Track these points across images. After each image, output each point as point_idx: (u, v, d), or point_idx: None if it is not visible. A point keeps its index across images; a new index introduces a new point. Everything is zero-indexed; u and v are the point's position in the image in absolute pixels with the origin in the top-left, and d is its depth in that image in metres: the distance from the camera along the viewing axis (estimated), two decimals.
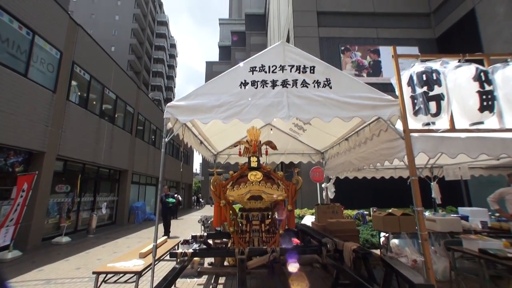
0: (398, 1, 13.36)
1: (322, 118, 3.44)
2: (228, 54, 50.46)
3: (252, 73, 3.71)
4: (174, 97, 70.08)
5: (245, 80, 3.66)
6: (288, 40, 14.87)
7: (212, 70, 53.02)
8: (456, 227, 5.05)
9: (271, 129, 6.42)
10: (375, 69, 12.44)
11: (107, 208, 14.55)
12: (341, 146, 5.73)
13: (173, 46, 69.99)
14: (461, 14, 11.27)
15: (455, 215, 5.91)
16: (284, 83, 3.64)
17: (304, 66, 3.72)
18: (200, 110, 3.53)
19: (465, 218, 5.81)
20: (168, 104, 3.58)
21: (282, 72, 3.71)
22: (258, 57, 3.82)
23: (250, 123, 3.56)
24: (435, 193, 6.01)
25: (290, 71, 3.71)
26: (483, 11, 10.27)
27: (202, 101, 3.57)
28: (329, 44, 12.68)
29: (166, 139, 3.61)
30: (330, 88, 3.62)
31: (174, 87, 71.32)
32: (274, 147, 4.89)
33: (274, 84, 3.65)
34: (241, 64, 3.77)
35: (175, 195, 21.90)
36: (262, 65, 3.73)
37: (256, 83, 3.65)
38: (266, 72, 3.71)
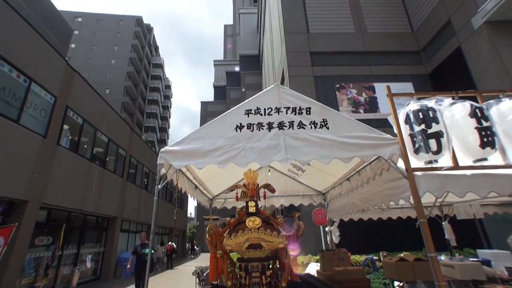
0: (388, 40, 14.10)
1: (321, 159, 3.45)
2: (223, 94, 51.81)
3: (248, 116, 3.78)
4: (168, 138, 70.69)
5: (240, 123, 3.72)
6: (283, 80, 15.36)
7: (207, 110, 54.09)
8: (479, 274, 4.67)
9: (269, 171, 6.40)
10: (372, 105, 12.75)
11: (92, 261, 13.68)
12: (342, 187, 5.67)
13: (167, 87, 72.00)
14: (449, 51, 11.86)
15: (475, 259, 5.57)
16: (281, 125, 3.69)
17: (300, 107, 3.79)
18: (195, 155, 3.54)
19: (487, 262, 5.48)
20: (162, 150, 3.59)
21: (278, 114, 3.78)
22: (253, 100, 3.92)
23: (247, 166, 3.55)
24: (448, 234, 5.83)
25: (286, 113, 3.78)
26: (468, 49, 10.79)
27: (197, 146, 3.59)
28: (324, 82, 13.10)
29: (159, 186, 3.57)
30: (328, 128, 3.66)
31: (169, 127, 72.20)
32: (272, 190, 4.82)
33: (270, 126, 3.70)
34: (234, 108, 3.85)
35: (170, 243, 21.00)
36: (257, 107, 3.81)
37: (252, 126, 3.70)
38: (261, 114, 3.78)
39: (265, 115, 3.79)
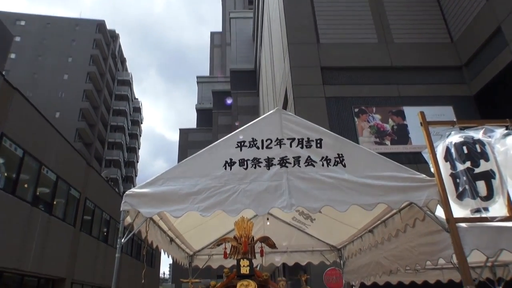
0: (420, 53, 14.52)
1: (336, 206, 3.45)
2: (209, 119, 52.54)
3: (240, 150, 3.81)
4: (136, 176, 70.52)
5: (231, 159, 3.74)
6: (286, 102, 15.64)
7: (187, 140, 54.66)
8: None
9: (268, 219, 6.38)
10: (401, 135, 12.95)
11: None
12: (364, 241, 5.64)
13: (137, 110, 72.96)
14: (500, 67, 12.12)
15: None
16: (283, 162, 3.72)
17: (308, 138, 3.84)
18: (171, 200, 3.53)
19: None
20: (128, 192, 3.59)
21: (280, 147, 3.81)
22: (248, 129, 3.97)
23: (238, 215, 3.55)
24: None
25: (290, 146, 3.82)
26: None
27: (174, 188, 3.60)
28: (339, 105, 13.38)
29: (123, 240, 3.53)
30: (344, 166, 3.69)
31: (137, 161, 72.33)
32: (272, 245, 4.82)
33: (269, 163, 3.72)
34: (223, 139, 3.91)
35: None
36: (253, 138, 3.86)
37: (245, 163, 3.72)
38: (258, 147, 3.82)
39: (263, 148, 3.82)
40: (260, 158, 3.77)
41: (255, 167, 3.72)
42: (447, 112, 13.11)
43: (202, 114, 58.38)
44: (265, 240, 4.69)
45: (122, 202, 3.56)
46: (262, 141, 3.87)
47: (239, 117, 42.80)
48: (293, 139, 3.87)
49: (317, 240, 7.14)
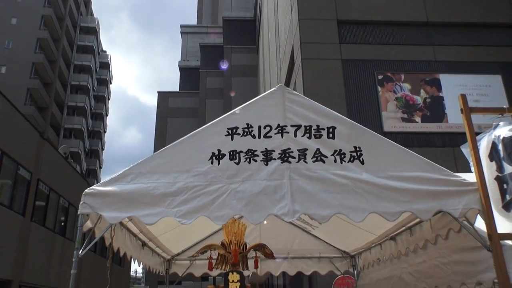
0: (464, 5, 14.26)
1: (350, 214, 3.45)
2: (195, 81, 52.17)
3: (232, 138, 3.78)
4: (103, 149, 70.68)
5: (219, 151, 3.72)
6: (292, 64, 15.49)
7: (167, 106, 54.40)
8: None
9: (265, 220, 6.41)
10: (435, 110, 12.90)
11: None
12: (384, 250, 5.70)
13: (104, 66, 72.36)
14: None
15: None
16: (285, 156, 3.70)
17: (318, 126, 3.80)
18: (142, 201, 3.52)
19: None
20: (87, 191, 3.55)
21: (282, 136, 3.78)
22: (242, 112, 3.93)
23: (226, 221, 3.58)
24: None
25: (295, 135, 3.79)
26: None
27: (146, 186, 3.58)
28: (359, 70, 13.26)
29: (80, 252, 3.51)
30: (362, 163, 3.67)
31: (104, 131, 72.36)
32: (270, 255, 4.86)
33: (268, 156, 3.70)
34: (210, 124, 3.85)
35: None
36: (247, 125, 3.82)
37: (237, 155, 3.70)
38: (254, 136, 3.79)
39: (260, 137, 3.79)
40: (256, 150, 3.74)
41: (249, 162, 3.70)
42: (494, 83, 13.04)
43: (187, 73, 57.98)
44: (261, 248, 4.73)
45: (81, 203, 3.52)
46: (259, 127, 3.83)
47: (233, 80, 42.61)
48: (299, 126, 3.83)
49: (325, 245, 7.22)
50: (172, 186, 3.58)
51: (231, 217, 3.50)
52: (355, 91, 12.88)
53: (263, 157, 3.71)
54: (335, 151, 3.72)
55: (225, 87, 43.01)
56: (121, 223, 4.50)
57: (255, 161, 3.70)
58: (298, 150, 3.73)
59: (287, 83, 16.54)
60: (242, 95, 36.46)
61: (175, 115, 52.95)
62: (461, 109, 3.86)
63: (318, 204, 3.52)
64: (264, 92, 4.54)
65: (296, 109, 3.92)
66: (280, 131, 3.81)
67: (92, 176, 64.42)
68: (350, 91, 12.79)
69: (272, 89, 4.05)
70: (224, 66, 43.67)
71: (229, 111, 4.19)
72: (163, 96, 56.39)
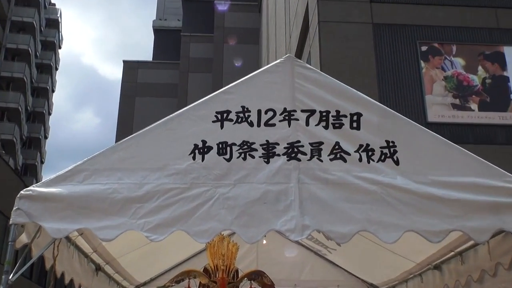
0: None
1: (379, 232, 3.45)
2: (175, 47, 51.90)
3: (221, 125, 3.80)
4: (46, 135, 70.43)
5: (204, 142, 3.72)
6: (306, 28, 15.45)
7: (136, 80, 54.02)
8: None
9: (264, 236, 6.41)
10: (498, 95, 12.89)
11: None
12: (425, 282, 5.72)
13: (53, 24, 71.92)
14: None
15: None
16: (293, 151, 3.71)
17: (338, 112, 3.81)
18: (98, 209, 3.51)
19: None
20: (23, 193, 3.54)
21: (289, 124, 3.80)
22: (236, 91, 3.94)
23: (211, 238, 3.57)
24: None
25: (307, 123, 3.80)
26: None
27: (104, 187, 3.59)
28: (395, 38, 13.24)
29: (11, 277, 3.50)
30: (396, 162, 3.69)
31: (49, 113, 72.01)
32: (270, 286, 4.85)
33: (269, 151, 3.71)
34: (194, 105, 3.85)
35: None
36: (243, 108, 3.83)
37: (228, 149, 3.71)
38: (252, 123, 3.80)
39: (259, 125, 3.80)
40: (254, 143, 3.74)
41: (244, 158, 3.71)
42: None
43: (164, 37, 57.62)
44: (258, 276, 4.71)
45: (14, 209, 3.50)
46: (259, 112, 3.84)
47: (226, 47, 42.43)
48: (312, 112, 3.84)
49: (346, 274, 7.25)
50: (139, 189, 3.57)
51: (218, 233, 3.49)
52: (389, 66, 12.86)
53: (263, 152, 3.71)
54: (361, 146, 3.73)
55: (216, 57, 42.74)
56: (68, 238, 4.48)
57: (253, 157, 3.70)
58: (311, 144, 3.73)
59: (299, 54, 16.52)
60: (238, 68, 36.36)
61: (146, 93, 52.32)
62: None
63: (336, 217, 3.50)
64: (268, 64, 4.53)
65: (309, 88, 3.91)
66: (286, 117, 3.82)
67: (30, 173, 64.13)
68: (383, 66, 12.77)
69: (278, 61, 4.05)
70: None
71: (219, 88, 4.17)
72: (130, 67, 55.79)
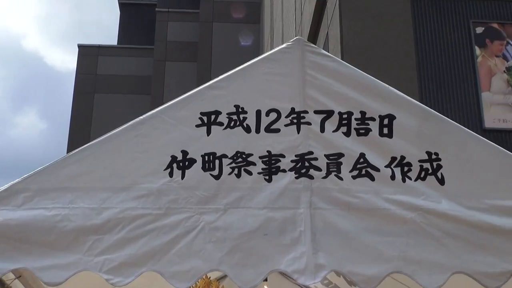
0: None
1: (419, 275, 3.39)
2: (147, 28, 52.09)
3: (208, 131, 3.76)
4: None
5: (184, 153, 3.68)
6: (324, 3, 15.50)
7: (95, 72, 54.20)
8: None
9: (265, 281, 6.43)
10: None
11: None
12: None
13: None
14: None
15: None
16: (303, 165, 3.67)
17: (364, 114, 3.77)
18: (43, 242, 3.47)
19: None
20: None
21: (298, 129, 3.77)
22: (228, 85, 3.94)
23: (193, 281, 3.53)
24: None
25: (322, 129, 3.76)
26: None
27: (51, 213, 3.53)
28: (441, 18, 13.31)
29: None
30: (441, 182, 3.64)
31: None
32: None
33: (272, 165, 3.68)
34: (172, 102, 3.82)
35: None
36: (237, 107, 3.79)
37: (217, 162, 3.68)
38: (249, 128, 3.76)
39: (259, 130, 3.77)
40: (251, 155, 3.71)
41: (238, 175, 3.67)
42: None
43: (133, 15, 57.90)
44: None
45: None
46: (258, 113, 3.81)
47: (216, 27, 42.66)
48: (329, 114, 3.80)
49: None
50: (98, 216, 3.52)
51: (202, 275, 3.46)
52: (433, 53, 12.92)
53: (264, 166, 3.68)
54: (394, 159, 3.69)
55: (203, 41, 42.90)
56: (1, 283, 4.47)
57: (250, 173, 3.66)
58: (327, 156, 3.69)
59: (312, 37, 16.62)
60: (231, 55, 36.52)
61: (109, 89, 52.09)
62: None
63: (360, 255, 3.45)
64: (271, 49, 4.52)
65: (324, 81, 3.88)
66: (295, 120, 3.78)
67: None
68: (425, 53, 12.85)
69: (285, 45, 4.02)
70: None
71: (206, 82, 4.15)
72: (88, 54, 55.67)
